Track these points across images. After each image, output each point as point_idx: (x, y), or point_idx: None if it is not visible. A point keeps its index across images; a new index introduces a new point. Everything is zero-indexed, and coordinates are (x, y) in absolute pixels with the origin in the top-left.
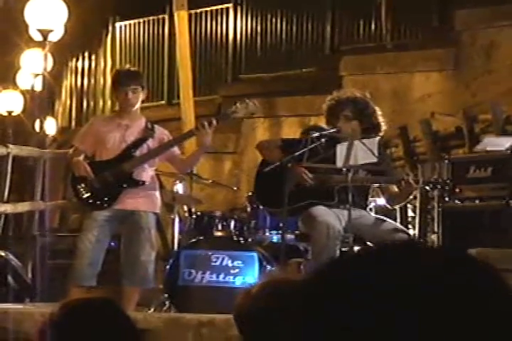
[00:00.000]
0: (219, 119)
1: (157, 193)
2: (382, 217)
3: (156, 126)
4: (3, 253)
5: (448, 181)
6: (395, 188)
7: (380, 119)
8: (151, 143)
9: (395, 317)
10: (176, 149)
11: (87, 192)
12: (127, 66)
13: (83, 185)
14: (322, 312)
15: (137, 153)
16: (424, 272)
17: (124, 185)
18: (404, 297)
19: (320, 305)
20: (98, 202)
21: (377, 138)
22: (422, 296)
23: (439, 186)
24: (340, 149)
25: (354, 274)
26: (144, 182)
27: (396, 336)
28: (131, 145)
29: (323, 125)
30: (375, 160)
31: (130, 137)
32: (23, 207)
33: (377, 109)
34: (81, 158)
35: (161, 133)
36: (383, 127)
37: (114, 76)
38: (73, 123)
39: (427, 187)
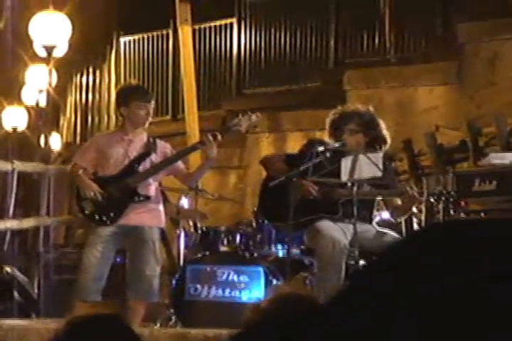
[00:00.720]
0: (222, 132)
1: (161, 207)
2: (387, 231)
3: (157, 140)
4: (9, 269)
5: (452, 193)
6: (399, 201)
7: (385, 132)
8: (154, 157)
9: None
10: (180, 163)
11: (91, 208)
12: (133, 81)
13: (88, 201)
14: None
15: (140, 168)
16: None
17: (129, 201)
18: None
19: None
20: (103, 218)
21: (382, 152)
22: None
23: (443, 198)
24: (345, 163)
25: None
26: (149, 197)
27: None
28: (134, 161)
29: (326, 139)
30: (380, 174)
31: (133, 152)
32: (28, 222)
33: (381, 122)
34: (80, 172)
35: (164, 147)
36: (388, 140)
37: (122, 91)
38: (78, 138)
39: (432, 199)
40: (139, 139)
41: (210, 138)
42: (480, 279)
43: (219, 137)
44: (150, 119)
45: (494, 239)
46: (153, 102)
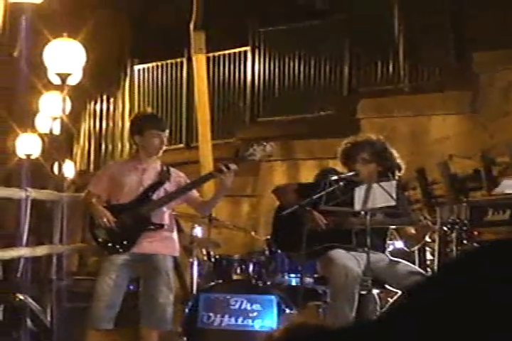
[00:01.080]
0: (237, 162)
1: (175, 235)
2: (400, 260)
3: (171, 168)
4: (22, 297)
5: (466, 222)
6: (412, 230)
7: (399, 161)
8: (168, 186)
9: None
10: (194, 191)
11: (105, 236)
12: (148, 110)
13: (101, 229)
14: None
15: (154, 196)
16: None
17: (142, 229)
18: None
19: None
20: (117, 246)
21: (395, 180)
22: None
23: (456, 227)
24: (359, 192)
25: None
26: (162, 226)
27: None
28: (148, 189)
29: (338, 168)
30: (393, 202)
31: (147, 181)
32: (41, 250)
33: (394, 151)
34: (95, 201)
35: (177, 175)
36: (403, 167)
37: (137, 119)
38: (91, 166)
39: (445, 228)
40: (153, 168)
41: (224, 168)
42: None
43: (233, 167)
44: (164, 148)
45: None
46: (167, 131)
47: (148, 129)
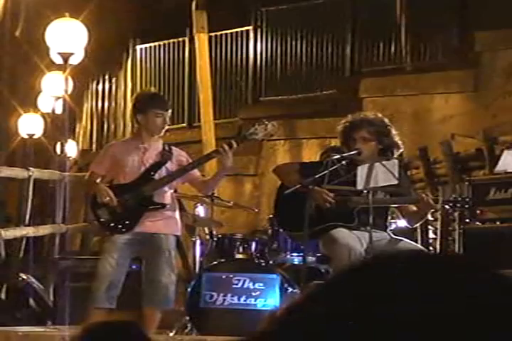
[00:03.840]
0: (238, 141)
1: (177, 215)
2: (402, 239)
3: (173, 148)
4: (24, 276)
5: (467, 200)
6: (414, 207)
7: (397, 139)
8: (169, 165)
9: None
10: (196, 171)
11: (107, 216)
12: (151, 89)
13: (104, 209)
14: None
15: (156, 176)
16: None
17: (144, 209)
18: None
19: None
20: (119, 226)
21: (397, 159)
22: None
23: (458, 205)
24: (361, 171)
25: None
26: (164, 205)
27: None
28: (150, 169)
29: (341, 147)
30: (395, 182)
31: (149, 160)
32: (44, 230)
33: (392, 129)
34: (98, 181)
35: (179, 155)
36: (401, 147)
37: (140, 98)
38: (94, 146)
39: (447, 206)
40: (155, 147)
41: (226, 146)
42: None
43: (235, 145)
44: (166, 127)
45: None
46: (170, 110)
47: (150, 108)
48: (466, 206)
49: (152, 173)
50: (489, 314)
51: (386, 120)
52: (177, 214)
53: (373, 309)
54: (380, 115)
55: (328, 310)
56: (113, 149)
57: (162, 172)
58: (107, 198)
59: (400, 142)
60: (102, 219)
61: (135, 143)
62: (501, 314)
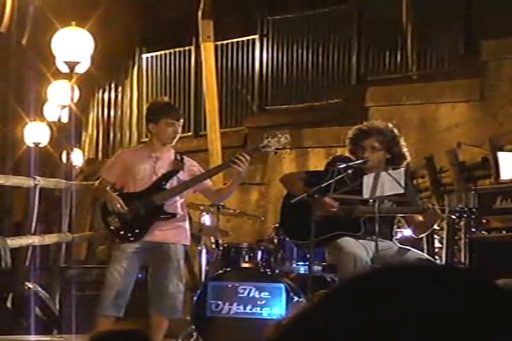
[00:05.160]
0: (251, 153)
1: (187, 224)
2: (408, 248)
3: (185, 157)
4: (30, 285)
5: (474, 210)
6: (420, 217)
7: (405, 149)
8: (181, 175)
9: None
10: (208, 181)
11: (117, 224)
12: (164, 98)
13: (114, 216)
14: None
15: (168, 185)
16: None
17: (155, 218)
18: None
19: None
20: (128, 234)
21: (404, 168)
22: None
23: (465, 215)
24: (367, 180)
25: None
26: (175, 215)
27: None
28: (161, 178)
29: (350, 155)
30: (401, 191)
31: (161, 169)
32: (50, 238)
33: (401, 139)
34: (108, 189)
35: (191, 164)
36: (408, 157)
37: (152, 108)
38: (100, 154)
39: (453, 216)
40: (167, 156)
41: (243, 158)
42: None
43: (247, 158)
44: (178, 137)
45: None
46: (182, 120)
47: (163, 118)
48: (473, 216)
49: (164, 183)
50: (488, 317)
51: (395, 130)
52: (187, 223)
53: (373, 313)
54: (390, 125)
55: (330, 317)
56: (124, 157)
57: (174, 181)
58: (118, 206)
59: (407, 153)
60: (111, 227)
61: (147, 152)
62: (500, 317)
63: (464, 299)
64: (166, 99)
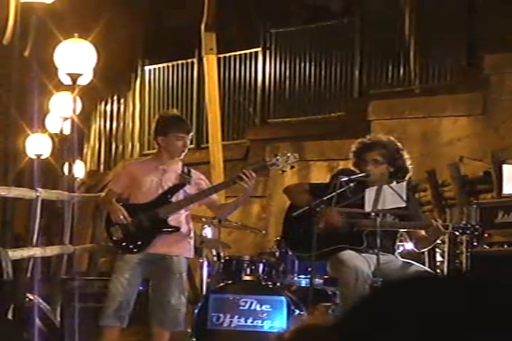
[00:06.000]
0: (257, 170)
1: (191, 237)
2: (410, 262)
3: (192, 170)
4: (31, 297)
5: (477, 227)
6: (422, 232)
7: (408, 163)
8: (188, 188)
9: None
10: (214, 195)
11: (120, 235)
12: (174, 111)
13: (117, 227)
14: None
15: (173, 198)
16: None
17: (158, 231)
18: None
19: None
20: (130, 246)
21: (405, 182)
22: None
23: (468, 231)
24: (369, 194)
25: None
26: (178, 229)
27: None
28: (168, 191)
29: (353, 168)
30: (403, 204)
31: (167, 182)
32: (52, 250)
33: (404, 153)
34: (114, 200)
35: (198, 178)
36: (410, 171)
37: (162, 120)
38: (102, 166)
39: (456, 233)
40: (174, 169)
41: (249, 175)
42: None
43: (253, 175)
44: (186, 151)
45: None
46: (191, 134)
47: (172, 131)
48: (476, 233)
49: (169, 196)
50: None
51: (399, 144)
52: (191, 236)
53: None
54: (392, 138)
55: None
56: (131, 168)
57: (180, 195)
58: (121, 217)
59: (410, 167)
60: (114, 238)
61: (154, 164)
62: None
63: (464, 300)
64: (176, 111)
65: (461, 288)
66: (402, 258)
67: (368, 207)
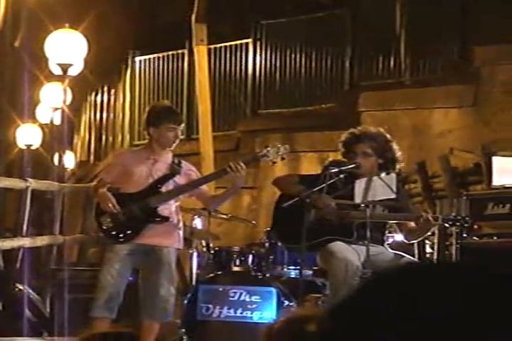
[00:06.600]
0: (247, 162)
1: (180, 228)
2: (400, 253)
3: (183, 161)
4: (21, 287)
5: (467, 218)
6: (413, 224)
7: (398, 155)
8: (178, 179)
9: None
10: (204, 186)
11: (110, 224)
12: (166, 102)
13: (106, 216)
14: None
15: (163, 188)
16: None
17: (148, 220)
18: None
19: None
20: (119, 235)
21: (395, 173)
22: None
23: (458, 223)
24: (359, 185)
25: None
26: (168, 218)
27: None
28: (157, 181)
29: (344, 159)
30: (393, 196)
31: (157, 172)
32: (41, 240)
33: (394, 144)
34: (105, 189)
35: (188, 168)
36: (400, 162)
37: (153, 111)
38: (92, 157)
39: (447, 224)
40: (165, 159)
41: (239, 166)
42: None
43: (243, 166)
44: (177, 142)
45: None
46: (183, 125)
47: (164, 122)
48: (466, 225)
49: (159, 186)
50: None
51: (388, 135)
52: (180, 227)
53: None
54: (382, 130)
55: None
56: (123, 157)
57: (169, 185)
58: (110, 205)
59: (400, 158)
60: (103, 227)
61: (145, 154)
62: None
63: (463, 298)
64: (168, 102)
65: (450, 277)
66: (392, 249)
67: (357, 199)
